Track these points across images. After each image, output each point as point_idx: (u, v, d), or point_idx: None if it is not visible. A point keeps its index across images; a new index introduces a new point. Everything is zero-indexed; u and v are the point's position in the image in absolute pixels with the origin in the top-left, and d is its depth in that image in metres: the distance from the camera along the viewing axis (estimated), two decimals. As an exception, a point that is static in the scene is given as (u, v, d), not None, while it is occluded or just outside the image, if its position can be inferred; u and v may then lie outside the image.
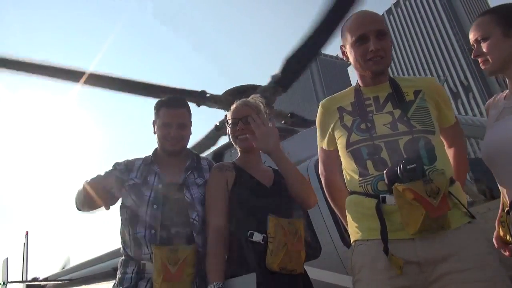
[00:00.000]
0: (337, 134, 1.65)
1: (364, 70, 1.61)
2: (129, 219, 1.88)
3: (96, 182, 1.80)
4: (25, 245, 13.08)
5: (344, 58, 1.70)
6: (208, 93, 4.64)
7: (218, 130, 5.04)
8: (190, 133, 2.10)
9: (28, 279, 12.04)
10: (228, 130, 2.02)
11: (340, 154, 1.67)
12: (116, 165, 2.00)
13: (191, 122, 2.11)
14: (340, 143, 1.63)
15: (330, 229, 2.79)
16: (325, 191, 1.86)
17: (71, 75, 4.12)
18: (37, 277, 12.02)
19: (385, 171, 1.43)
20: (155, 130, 2.05)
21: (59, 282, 10.58)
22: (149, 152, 2.09)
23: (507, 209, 1.45)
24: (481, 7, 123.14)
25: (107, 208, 1.79)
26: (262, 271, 1.62)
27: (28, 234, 13.39)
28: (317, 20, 3.64)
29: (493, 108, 1.60)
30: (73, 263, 11.07)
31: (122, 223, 1.93)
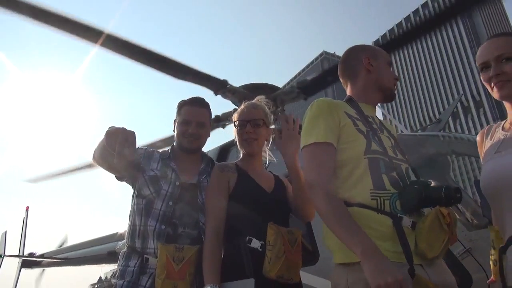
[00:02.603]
0: (349, 136, 1.49)
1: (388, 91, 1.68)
2: (144, 210, 1.87)
3: (130, 136, 1.66)
4: (25, 220, 13.21)
5: (365, 67, 1.67)
6: (229, 84, 4.60)
7: (217, 122, 5.02)
8: (209, 135, 2.11)
9: (25, 254, 12.17)
10: (235, 130, 1.99)
11: (344, 159, 1.48)
12: (137, 149, 1.97)
13: (211, 123, 2.13)
14: (355, 147, 1.47)
15: None
16: (323, 202, 1.41)
17: (91, 33, 3.77)
18: (34, 252, 12.14)
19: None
20: (175, 128, 2.06)
21: (55, 260, 10.69)
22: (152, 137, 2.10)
23: (501, 245, 1.39)
24: (502, 26, 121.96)
25: (116, 160, 1.64)
26: (258, 278, 1.61)
27: (29, 209, 13.51)
28: (385, 39, 3.64)
29: (489, 139, 1.55)
30: (71, 243, 11.17)
31: (134, 212, 1.91)
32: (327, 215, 1.37)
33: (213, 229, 1.75)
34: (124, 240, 1.96)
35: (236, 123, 1.97)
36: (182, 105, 2.06)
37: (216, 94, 4.64)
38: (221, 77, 4.54)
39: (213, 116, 5.04)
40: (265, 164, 2.08)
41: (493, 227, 1.48)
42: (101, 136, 1.72)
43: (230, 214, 1.79)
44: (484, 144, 1.58)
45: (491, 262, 1.45)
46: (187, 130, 1.99)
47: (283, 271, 1.64)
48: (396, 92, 1.72)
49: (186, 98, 2.10)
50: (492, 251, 1.43)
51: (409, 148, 1.77)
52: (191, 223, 1.86)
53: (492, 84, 1.44)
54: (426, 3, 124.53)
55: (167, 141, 5.22)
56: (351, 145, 1.48)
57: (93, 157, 1.85)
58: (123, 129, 1.68)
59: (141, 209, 1.88)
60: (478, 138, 1.64)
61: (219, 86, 4.54)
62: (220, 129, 5.17)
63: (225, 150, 4.43)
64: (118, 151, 1.62)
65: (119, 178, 1.96)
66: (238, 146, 2.00)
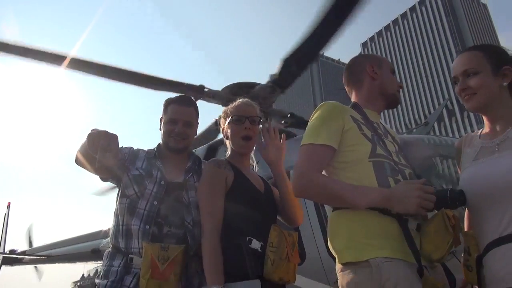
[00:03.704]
0: (354, 139, 1.54)
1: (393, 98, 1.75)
2: (127, 209, 1.83)
3: (112, 139, 1.68)
4: (6, 216, 12.95)
5: (369, 75, 1.74)
6: (206, 88, 4.61)
7: (218, 125, 5.00)
8: (195, 134, 2.08)
9: (6, 251, 11.94)
10: (226, 126, 1.94)
11: (347, 161, 1.53)
12: (121, 149, 1.94)
13: (198, 123, 2.09)
14: (360, 150, 1.53)
15: (316, 238, 2.79)
16: (305, 187, 1.51)
17: (55, 58, 3.97)
18: (15, 249, 11.92)
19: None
20: (161, 126, 2.03)
21: (36, 257, 10.51)
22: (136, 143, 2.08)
23: (477, 254, 1.42)
24: (487, 31, 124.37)
25: (98, 164, 1.66)
26: (259, 279, 1.59)
27: (10, 205, 13.25)
28: (317, 20, 3.52)
29: (467, 147, 1.58)
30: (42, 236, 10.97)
31: (118, 211, 1.88)
32: (327, 191, 1.48)
33: (213, 228, 1.69)
34: (109, 238, 1.93)
35: (234, 118, 1.89)
36: (169, 103, 2.02)
37: (196, 100, 4.66)
38: (197, 83, 4.59)
39: (212, 121, 5.09)
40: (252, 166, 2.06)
41: (468, 232, 1.52)
42: (84, 136, 1.70)
43: (228, 213, 1.74)
44: (463, 151, 1.61)
45: (463, 267, 1.48)
46: (174, 129, 1.95)
47: (284, 274, 1.63)
48: (400, 98, 1.78)
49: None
50: (467, 256, 1.46)
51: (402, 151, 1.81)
52: (176, 223, 1.82)
53: (462, 98, 1.53)
54: (413, 7, 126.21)
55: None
56: (355, 148, 1.53)
57: (76, 159, 1.82)
58: (105, 132, 1.67)
59: (125, 208, 1.84)
60: (456, 145, 1.68)
61: (197, 92, 4.56)
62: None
63: (213, 149, 4.40)
64: (100, 155, 1.62)
65: (103, 179, 1.93)
66: (230, 143, 1.93)
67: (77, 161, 1.82)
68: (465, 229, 1.61)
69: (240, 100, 1.97)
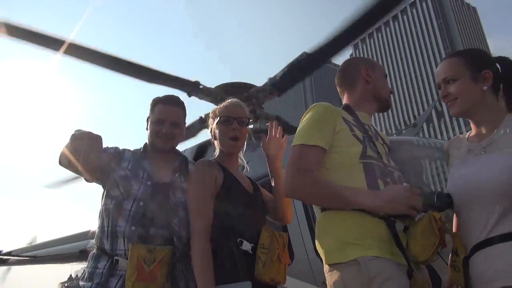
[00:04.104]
0: (344, 141, 1.55)
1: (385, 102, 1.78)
2: (113, 210, 1.81)
3: (95, 141, 1.66)
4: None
5: (363, 78, 1.75)
6: (202, 85, 4.58)
7: (202, 123, 4.98)
8: (183, 134, 2.05)
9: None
10: (215, 126, 1.92)
11: (338, 162, 1.53)
12: (107, 149, 1.91)
13: (185, 123, 2.07)
14: (350, 152, 1.53)
15: (305, 238, 2.79)
16: (310, 184, 1.50)
17: (53, 42, 3.87)
18: (0, 250, 11.72)
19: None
20: (148, 126, 2.00)
21: (22, 258, 10.35)
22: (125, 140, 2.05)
23: (464, 255, 1.43)
24: (476, 33, 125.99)
25: (91, 177, 1.68)
26: (249, 281, 1.57)
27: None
28: (333, 34, 3.64)
29: (455, 149, 1.61)
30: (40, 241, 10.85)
31: (103, 213, 1.85)
32: (319, 192, 1.48)
33: (202, 229, 1.66)
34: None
35: (222, 118, 1.89)
36: (156, 103, 1.99)
37: (189, 96, 4.62)
38: (193, 79, 4.57)
39: (197, 118, 5.05)
40: (242, 167, 2.06)
41: (456, 233, 1.53)
42: (68, 137, 1.67)
43: (218, 214, 1.71)
44: (451, 154, 1.63)
45: (451, 268, 1.49)
46: (161, 130, 1.93)
47: (275, 275, 1.63)
48: (391, 103, 1.83)
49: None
50: (455, 257, 1.47)
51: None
52: (163, 224, 1.80)
53: (446, 103, 1.57)
54: (404, 9, 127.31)
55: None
56: (346, 149, 1.53)
57: (60, 160, 1.78)
58: (89, 134, 1.65)
59: (110, 210, 1.81)
60: (445, 148, 1.70)
61: (191, 88, 4.55)
62: (205, 130, 5.14)
63: (202, 149, 4.38)
64: (83, 157, 1.60)
65: (88, 180, 1.90)
66: (219, 143, 1.92)
67: (61, 162, 1.78)
68: (454, 230, 1.63)
69: (229, 100, 1.96)
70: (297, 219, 2.81)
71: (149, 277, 1.63)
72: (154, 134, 1.94)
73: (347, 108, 1.71)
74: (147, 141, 2.03)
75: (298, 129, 1.61)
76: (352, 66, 1.81)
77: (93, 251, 1.83)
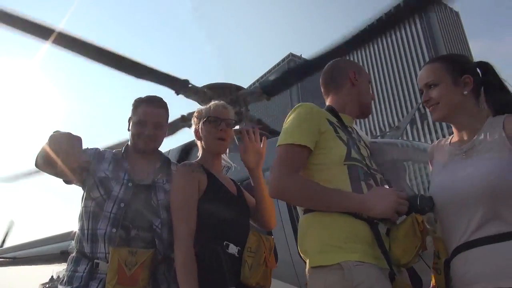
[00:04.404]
0: (329, 142, 1.54)
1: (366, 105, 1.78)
2: (93, 213, 1.77)
3: (75, 142, 1.61)
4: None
5: (351, 81, 1.75)
6: (191, 84, 4.55)
7: (183, 122, 4.95)
8: (165, 135, 2.03)
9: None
10: (201, 126, 1.89)
11: (322, 163, 1.53)
12: (87, 150, 1.88)
13: (168, 123, 2.05)
14: (335, 153, 1.53)
15: (289, 241, 2.79)
16: (297, 184, 1.49)
17: (41, 30, 3.73)
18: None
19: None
20: (130, 127, 1.97)
21: (2, 259, 10.12)
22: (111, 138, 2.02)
23: (445, 258, 1.45)
24: (459, 38, 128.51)
25: (70, 179, 1.65)
26: (235, 285, 1.56)
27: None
28: (333, 44, 3.67)
29: (438, 153, 1.63)
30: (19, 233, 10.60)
31: (83, 215, 1.81)
32: (307, 193, 1.47)
33: (186, 235, 1.63)
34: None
35: (210, 119, 1.86)
36: (139, 103, 1.96)
37: (177, 94, 4.57)
38: (183, 77, 4.52)
39: (178, 116, 5.01)
40: (223, 168, 2.05)
41: (438, 236, 1.55)
42: (46, 138, 1.63)
43: (203, 217, 1.68)
44: (434, 157, 1.65)
45: (433, 270, 1.50)
46: (143, 131, 1.90)
47: (261, 278, 1.62)
48: (371, 110, 1.83)
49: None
50: (437, 260, 1.49)
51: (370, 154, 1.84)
52: (144, 226, 1.77)
53: (428, 108, 1.59)
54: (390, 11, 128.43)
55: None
56: (331, 150, 1.53)
57: (36, 162, 1.73)
58: (68, 135, 1.61)
59: (90, 212, 1.78)
60: (429, 151, 1.72)
61: (180, 86, 4.51)
62: (186, 128, 5.10)
63: (187, 150, 4.35)
64: (62, 159, 1.56)
65: (67, 181, 1.86)
66: (204, 144, 1.89)
67: (37, 164, 1.73)
68: (437, 232, 1.64)
69: (216, 102, 1.94)
70: (281, 221, 2.80)
71: (130, 280, 1.60)
72: (136, 135, 1.92)
73: (331, 109, 1.70)
74: (128, 142, 2.00)
75: (284, 128, 1.59)
76: (340, 67, 1.81)
77: (73, 254, 1.80)
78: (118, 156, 1.93)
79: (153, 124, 1.91)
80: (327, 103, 1.79)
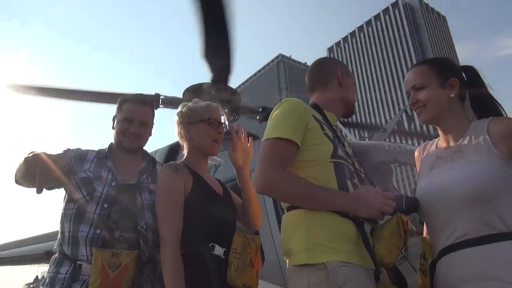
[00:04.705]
0: (316, 139, 1.51)
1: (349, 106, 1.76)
2: (75, 215, 1.73)
3: (43, 158, 1.60)
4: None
5: (338, 80, 1.74)
6: (162, 95, 4.54)
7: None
8: (151, 134, 2.01)
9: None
10: (197, 127, 1.83)
11: (309, 160, 1.49)
12: (67, 152, 1.84)
13: (153, 123, 2.03)
14: (322, 150, 1.50)
15: (275, 239, 2.78)
16: (282, 180, 1.44)
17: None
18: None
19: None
20: (114, 125, 1.94)
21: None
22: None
23: (431, 259, 1.47)
24: (446, 41, 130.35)
25: (39, 190, 1.62)
26: (222, 286, 1.55)
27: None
28: None
29: (425, 156, 1.64)
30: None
31: (64, 217, 1.76)
32: (296, 190, 1.43)
33: (172, 238, 1.60)
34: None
35: (211, 120, 1.83)
36: (124, 101, 1.94)
37: (155, 109, 4.59)
38: (153, 92, 4.55)
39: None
40: (210, 168, 2.04)
41: (425, 237, 1.57)
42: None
43: (189, 219, 1.66)
44: (421, 160, 1.66)
45: (419, 271, 1.51)
46: (128, 129, 1.88)
47: (248, 279, 1.60)
48: (354, 111, 1.84)
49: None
50: (423, 261, 1.50)
51: (357, 155, 1.84)
52: (129, 226, 1.73)
53: (415, 110, 1.59)
54: (378, 15, 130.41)
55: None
56: (318, 147, 1.50)
57: (15, 180, 1.72)
58: (43, 157, 1.58)
59: (72, 214, 1.74)
60: (416, 153, 1.73)
61: (152, 101, 4.49)
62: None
63: (175, 149, 4.31)
64: (39, 180, 1.54)
65: (49, 188, 1.81)
66: (198, 145, 1.83)
67: (17, 182, 1.72)
68: (424, 234, 1.66)
69: (213, 103, 1.92)
70: (268, 220, 2.78)
71: (114, 282, 1.58)
72: (121, 133, 1.89)
73: (316, 107, 1.68)
74: (112, 141, 1.97)
75: (270, 122, 1.55)
76: (328, 65, 1.80)
77: (55, 255, 1.76)
78: (101, 155, 1.90)
79: (138, 122, 1.90)
80: (312, 99, 1.77)
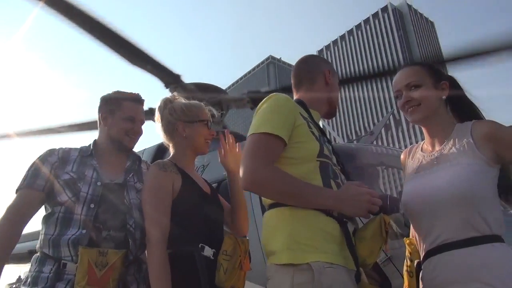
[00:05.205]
0: (303, 136, 1.48)
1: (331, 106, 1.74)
2: (62, 218, 1.67)
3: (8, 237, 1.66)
4: None
5: (325, 78, 1.72)
6: (182, 80, 4.36)
7: (151, 115, 4.85)
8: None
9: None
10: (190, 126, 1.82)
11: (295, 158, 1.45)
12: (48, 157, 1.78)
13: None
14: (308, 148, 1.47)
15: (262, 238, 2.77)
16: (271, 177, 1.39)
17: None
18: None
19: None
20: (111, 122, 1.87)
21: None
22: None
23: (417, 261, 1.48)
24: (433, 46, 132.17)
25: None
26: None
27: None
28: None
29: (410, 159, 1.65)
30: None
31: (49, 219, 1.70)
32: (285, 187, 1.37)
33: (159, 238, 1.57)
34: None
35: (204, 120, 1.85)
36: (124, 99, 1.90)
37: (166, 87, 4.34)
38: (176, 71, 4.28)
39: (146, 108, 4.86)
40: (198, 168, 2.03)
41: (411, 239, 1.58)
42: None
43: (177, 219, 1.63)
44: (406, 163, 1.67)
45: (406, 273, 1.52)
46: (133, 128, 1.86)
47: (236, 281, 1.60)
48: (336, 112, 1.82)
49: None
50: (409, 263, 1.52)
51: (343, 157, 1.84)
52: (116, 226, 1.69)
53: (405, 110, 1.56)
54: (367, 19, 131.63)
55: None
56: (305, 145, 1.47)
57: None
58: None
59: (58, 217, 1.69)
60: (402, 157, 1.73)
61: (172, 80, 4.28)
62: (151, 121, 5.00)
63: (162, 149, 4.27)
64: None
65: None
66: (191, 144, 1.82)
67: None
68: (410, 236, 1.66)
69: (203, 104, 1.92)
70: (255, 220, 2.75)
71: (100, 282, 1.55)
72: (124, 132, 1.85)
73: (301, 103, 1.64)
74: (98, 138, 1.92)
75: (258, 116, 1.51)
76: (316, 63, 1.77)
77: (37, 254, 1.70)
78: (85, 153, 1.85)
79: (140, 122, 1.89)
80: (297, 96, 1.73)
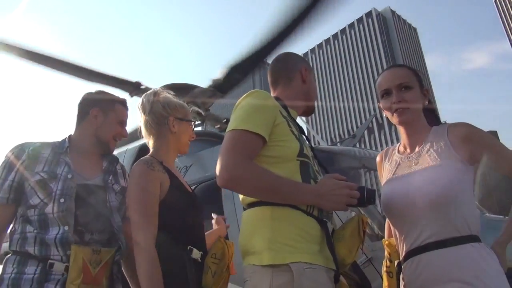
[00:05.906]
0: (283, 135, 1.44)
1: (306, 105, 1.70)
2: (39, 221, 1.60)
3: None
4: None
5: (302, 76, 1.68)
6: (143, 85, 4.47)
7: None
8: None
9: None
10: (177, 124, 1.78)
11: (276, 156, 1.42)
12: (14, 158, 1.69)
13: None
14: (289, 147, 1.43)
15: None
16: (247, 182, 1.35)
17: None
18: None
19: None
20: (103, 122, 1.81)
21: None
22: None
23: (397, 261, 1.50)
24: (415, 51, 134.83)
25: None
26: None
27: None
28: (266, 30, 3.65)
29: (387, 161, 1.66)
30: None
31: (23, 221, 1.63)
32: (265, 184, 1.34)
33: (151, 241, 1.50)
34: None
35: (187, 119, 1.84)
36: (115, 102, 1.87)
37: (131, 96, 4.50)
38: (134, 79, 4.51)
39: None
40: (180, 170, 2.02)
41: (390, 240, 1.61)
42: None
43: (166, 220, 1.57)
44: (383, 166, 1.68)
45: (385, 274, 1.55)
46: (121, 132, 1.85)
47: (222, 284, 1.59)
48: (314, 110, 1.79)
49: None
50: (388, 263, 1.54)
51: (326, 160, 1.84)
52: (99, 229, 1.66)
53: (393, 110, 1.55)
54: (352, 23, 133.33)
55: None
56: (285, 144, 1.43)
57: None
58: None
59: (35, 220, 1.61)
60: (377, 159, 1.74)
61: (132, 88, 4.46)
62: None
63: (144, 150, 4.23)
64: None
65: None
66: (176, 143, 1.78)
67: None
68: (386, 237, 1.70)
69: (183, 103, 1.88)
70: (237, 221, 2.75)
71: (95, 280, 1.53)
72: (114, 135, 1.84)
73: (279, 101, 1.58)
74: (73, 134, 1.84)
75: (238, 112, 1.46)
76: (293, 61, 1.72)
77: (10, 255, 1.60)
78: (60, 149, 1.74)
79: (125, 127, 1.90)
80: (274, 94, 1.67)
